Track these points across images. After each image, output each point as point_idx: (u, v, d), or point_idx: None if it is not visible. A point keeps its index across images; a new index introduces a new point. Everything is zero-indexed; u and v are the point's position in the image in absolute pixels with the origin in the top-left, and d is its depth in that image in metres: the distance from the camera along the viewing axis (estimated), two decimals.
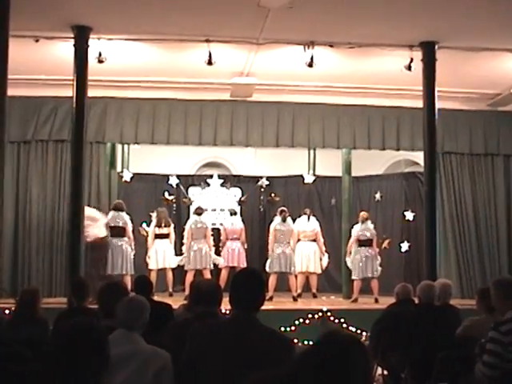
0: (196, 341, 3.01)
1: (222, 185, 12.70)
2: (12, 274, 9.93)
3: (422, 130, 9.04)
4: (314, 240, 11.05)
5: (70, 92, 8.44)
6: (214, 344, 2.95)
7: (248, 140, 10.68)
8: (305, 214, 11.20)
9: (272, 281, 10.35)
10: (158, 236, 10.71)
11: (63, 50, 8.60)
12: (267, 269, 10.42)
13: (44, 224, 10.16)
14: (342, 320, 8.63)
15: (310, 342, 2.17)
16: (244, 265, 10.58)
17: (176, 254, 10.79)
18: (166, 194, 12.49)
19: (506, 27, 8.01)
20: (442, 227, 10.53)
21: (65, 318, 5.01)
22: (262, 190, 13.10)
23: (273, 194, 13.08)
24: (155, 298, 6.26)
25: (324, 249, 11.12)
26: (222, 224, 11.79)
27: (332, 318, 8.64)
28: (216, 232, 11.55)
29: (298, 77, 9.78)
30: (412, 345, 5.21)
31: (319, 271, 11.08)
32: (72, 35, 8.19)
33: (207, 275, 10.19)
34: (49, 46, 8.58)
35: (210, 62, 8.65)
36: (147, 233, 11.01)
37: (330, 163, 12.51)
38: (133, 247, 10.23)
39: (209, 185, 12.68)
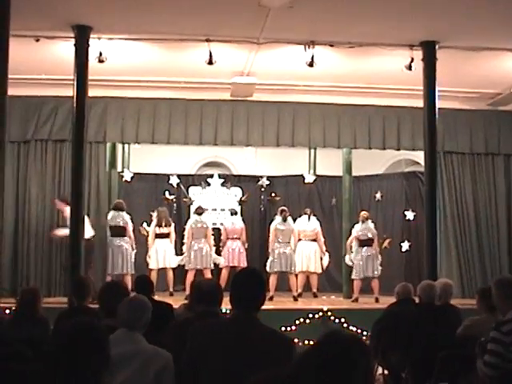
0: (197, 340, 3.01)
1: (222, 184, 12.71)
2: (12, 274, 9.93)
3: (423, 130, 9.04)
4: (315, 240, 11.05)
5: (70, 92, 8.44)
6: (214, 343, 2.95)
7: (248, 139, 10.68)
8: (305, 213, 11.20)
9: (272, 280, 10.35)
10: (158, 236, 10.71)
11: (64, 50, 8.59)
12: (268, 268, 10.42)
13: (43, 224, 10.16)
14: (343, 320, 8.62)
15: (311, 342, 2.17)
16: (244, 264, 10.58)
17: (176, 254, 10.80)
18: (167, 193, 12.49)
19: (506, 27, 8.01)
20: (443, 227, 10.55)
21: (65, 318, 5.01)
22: (263, 189, 13.11)
23: (273, 194, 13.09)
24: (156, 297, 6.25)
25: (324, 248, 11.12)
26: (222, 224, 11.80)
27: (332, 318, 8.64)
28: (216, 232, 11.55)
29: (299, 76, 9.78)
30: (412, 344, 5.20)
31: (320, 271, 11.08)
32: (72, 35, 8.18)
33: (208, 275, 10.19)
34: (49, 45, 8.58)
35: (210, 62, 8.65)
36: (148, 232, 11.02)
37: (330, 163, 12.51)
38: (134, 247, 10.25)
39: (209, 184, 12.69)
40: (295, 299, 10.31)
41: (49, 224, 10.15)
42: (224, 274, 10.67)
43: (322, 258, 11.05)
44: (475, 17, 7.72)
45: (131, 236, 10.25)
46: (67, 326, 2.64)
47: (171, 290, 10.56)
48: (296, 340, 3.33)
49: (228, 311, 4.99)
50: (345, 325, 8.55)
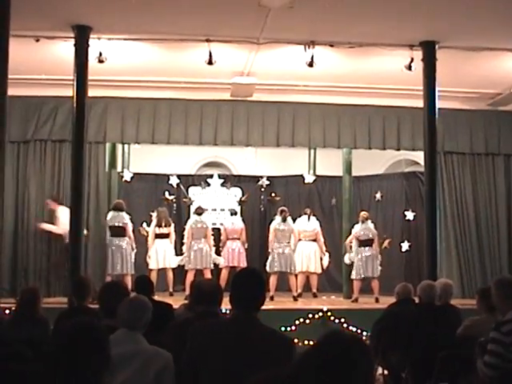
0: (197, 340, 3.01)
1: (222, 184, 12.71)
2: (12, 274, 9.93)
3: (423, 130, 9.04)
4: (315, 240, 11.05)
5: (70, 92, 8.44)
6: (214, 343, 2.95)
7: (248, 140, 10.68)
8: (305, 213, 11.20)
9: (272, 280, 10.35)
10: (158, 236, 10.71)
11: (63, 50, 8.59)
12: (267, 268, 10.42)
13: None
14: (343, 320, 8.63)
15: (311, 342, 2.17)
16: (244, 264, 10.58)
17: (176, 254, 10.80)
18: (167, 193, 12.49)
19: (506, 27, 8.02)
20: (443, 227, 10.55)
21: (65, 318, 5.01)
22: (263, 189, 13.10)
23: (273, 194, 13.08)
24: (156, 297, 6.25)
25: (324, 248, 11.12)
26: (222, 224, 11.79)
27: (332, 318, 8.64)
28: (216, 232, 11.54)
29: (299, 76, 9.78)
30: (412, 344, 5.20)
31: (319, 271, 11.08)
32: (72, 35, 8.18)
33: (208, 275, 10.20)
34: (49, 45, 8.58)
35: (210, 62, 8.65)
36: (147, 232, 11.02)
37: (330, 163, 12.51)
38: (133, 247, 10.25)
39: (209, 184, 12.69)
40: (295, 299, 10.31)
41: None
42: (224, 274, 10.67)
43: (321, 258, 11.05)
44: (475, 17, 7.72)
45: (131, 236, 10.25)
46: (67, 326, 2.64)
47: (171, 290, 10.56)
48: (296, 340, 3.33)
49: (228, 311, 4.98)
50: (345, 325, 8.55)
